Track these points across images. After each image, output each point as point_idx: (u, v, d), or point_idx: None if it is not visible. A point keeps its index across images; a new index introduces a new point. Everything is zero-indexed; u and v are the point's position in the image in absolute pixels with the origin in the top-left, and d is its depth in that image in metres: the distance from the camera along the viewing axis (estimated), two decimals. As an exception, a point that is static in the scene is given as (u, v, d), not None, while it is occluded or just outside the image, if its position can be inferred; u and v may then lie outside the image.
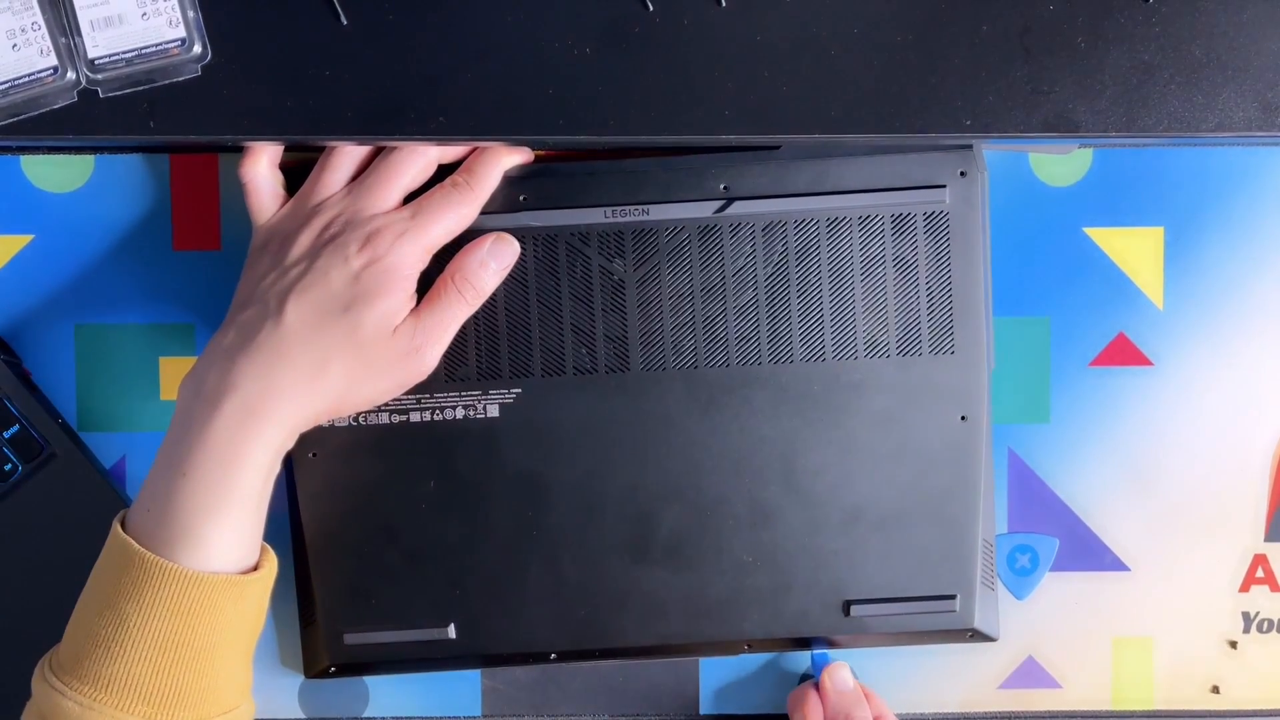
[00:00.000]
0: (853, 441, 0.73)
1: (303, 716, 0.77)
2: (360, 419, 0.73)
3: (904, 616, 0.73)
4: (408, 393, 0.71)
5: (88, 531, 0.66)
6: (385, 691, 0.77)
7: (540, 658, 0.74)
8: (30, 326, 0.75)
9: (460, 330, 0.72)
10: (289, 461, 0.73)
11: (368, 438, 0.73)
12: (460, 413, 0.73)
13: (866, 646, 0.75)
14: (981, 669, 0.78)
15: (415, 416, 0.73)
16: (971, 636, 0.74)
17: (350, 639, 0.73)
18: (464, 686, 0.77)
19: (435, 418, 0.73)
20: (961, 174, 0.72)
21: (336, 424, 0.73)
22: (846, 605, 0.73)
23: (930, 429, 0.73)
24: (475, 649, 0.74)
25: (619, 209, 0.72)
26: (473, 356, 0.73)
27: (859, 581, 0.73)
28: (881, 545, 0.73)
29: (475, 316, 0.72)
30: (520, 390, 0.73)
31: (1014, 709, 0.78)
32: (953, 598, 0.73)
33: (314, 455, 0.73)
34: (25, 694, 0.64)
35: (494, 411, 0.73)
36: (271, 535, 0.74)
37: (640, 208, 0.72)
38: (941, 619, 0.73)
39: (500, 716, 0.78)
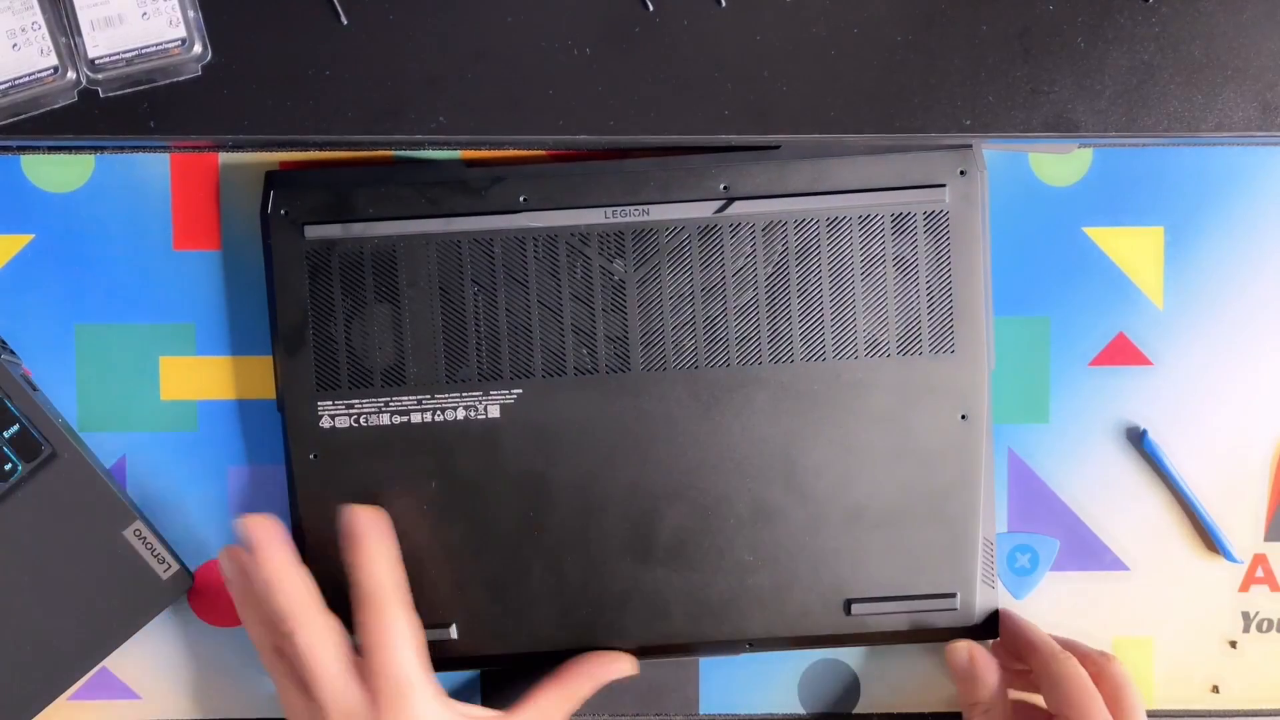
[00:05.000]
0: (853, 441, 0.73)
1: (303, 717, 0.77)
2: (361, 420, 0.73)
3: (905, 615, 0.73)
4: (409, 393, 0.71)
5: (88, 531, 0.66)
6: (385, 692, 0.77)
7: (542, 658, 0.74)
8: (30, 326, 0.75)
9: (461, 331, 0.72)
10: (289, 463, 0.73)
11: (368, 439, 0.73)
12: (461, 413, 0.73)
13: (867, 645, 0.75)
14: (982, 669, 0.78)
15: (416, 417, 0.73)
16: (972, 634, 0.74)
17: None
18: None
19: (436, 418, 0.73)
20: (961, 173, 0.72)
21: (337, 425, 0.73)
22: (848, 604, 0.73)
23: (931, 428, 0.73)
24: (477, 649, 0.73)
25: (619, 209, 0.72)
26: (473, 357, 0.73)
27: (860, 580, 0.73)
28: (882, 544, 0.73)
29: (476, 317, 0.72)
30: (521, 391, 0.73)
31: (1014, 709, 0.78)
32: (953, 596, 0.73)
33: (314, 457, 0.73)
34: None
35: (495, 412, 0.73)
36: (272, 535, 0.74)
37: (640, 208, 0.72)
38: (942, 617, 0.73)
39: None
